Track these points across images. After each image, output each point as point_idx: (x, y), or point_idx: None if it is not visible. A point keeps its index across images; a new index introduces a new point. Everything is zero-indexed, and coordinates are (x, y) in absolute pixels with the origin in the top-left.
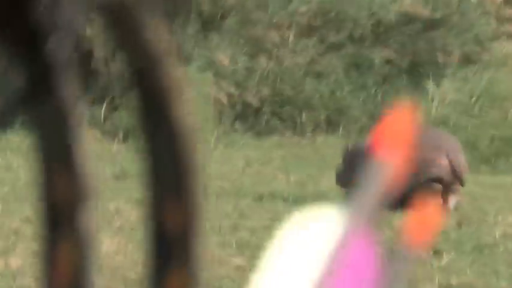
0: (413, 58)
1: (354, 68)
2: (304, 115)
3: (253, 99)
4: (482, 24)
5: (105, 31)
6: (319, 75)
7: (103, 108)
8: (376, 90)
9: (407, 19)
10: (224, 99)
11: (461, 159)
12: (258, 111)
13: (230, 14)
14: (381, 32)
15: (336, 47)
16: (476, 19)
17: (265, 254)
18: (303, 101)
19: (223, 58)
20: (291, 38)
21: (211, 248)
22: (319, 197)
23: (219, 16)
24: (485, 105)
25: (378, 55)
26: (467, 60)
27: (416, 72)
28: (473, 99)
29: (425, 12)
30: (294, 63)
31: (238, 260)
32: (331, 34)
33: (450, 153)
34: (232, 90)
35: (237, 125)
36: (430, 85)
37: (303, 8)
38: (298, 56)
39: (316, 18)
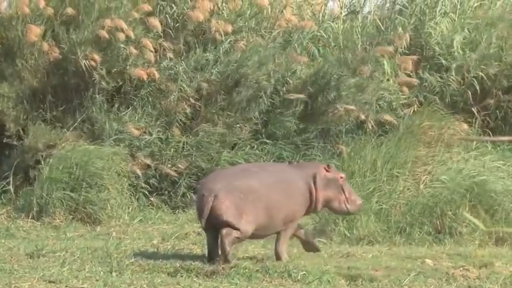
0: (324, 125)
1: (267, 137)
2: None
3: (169, 172)
4: (394, 92)
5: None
6: (234, 146)
7: (16, 184)
8: (291, 160)
9: (311, 85)
10: (139, 173)
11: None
12: (173, 185)
13: (142, 86)
14: (288, 100)
15: (247, 117)
16: (388, 87)
17: None
18: None
19: (135, 130)
20: (202, 108)
21: None
22: (234, 271)
23: (131, 89)
24: (394, 172)
25: (291, 123)
26: (378, 126)
27: (328, 139)
28: (382, 166)
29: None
30: (208, 135)
31: None
32: (238, 104)
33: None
34: (148, 162)
35: (153, 198)
36: (343, 152)
37: (210, 77)
38: (212, 127)
39: (221, 87)
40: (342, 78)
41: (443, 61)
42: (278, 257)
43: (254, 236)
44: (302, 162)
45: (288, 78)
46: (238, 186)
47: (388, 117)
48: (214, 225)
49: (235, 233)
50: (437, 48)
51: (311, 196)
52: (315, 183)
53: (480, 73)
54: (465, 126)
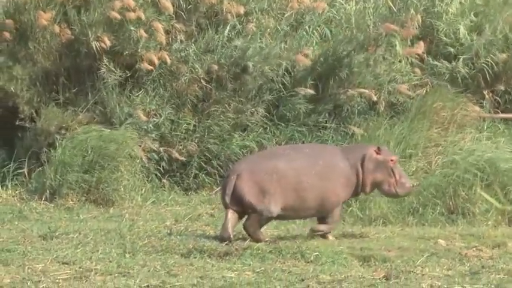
0: (336, 106)
1: (279, 119)
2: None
3: (179, 154)
4: (406, 74)
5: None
6: (245, 129)
7: (29, 166)
8: (303, 142)
9: (319, 67)
10: (144, 158)
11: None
12: (185, 167)
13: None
14: (297, 81)
15: (257, 99)
16: (400, 68)
17: None
18: (234, 155)
19: (145, 113)
20: (213, 91)
21: None
22: (246, 252)
23: (143, 71)
24: (406, 153)
25: (302, 105)
26: (390, 107)
27: (340, 120)
28: (395, 147)
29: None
30: (218, 117)
31: None
32: (248, 91)
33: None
34: (154, 147)
35: (165, 180)
36: (356, 132)
37: (220, 60)
38: (223, 109)
39: (230, 71)
40: (352, 54)
41: (452, 49)
42: (323, 237)
43: (287, 217)
44: (353, 145)
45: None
46: (263, 167)
47: (402, 88)
48: (235, 204)
49: (254, 219)
50: (444, 37)
51: (358, 178)
52: (362, 165)
53: (489, 60)
54: (477, 108)
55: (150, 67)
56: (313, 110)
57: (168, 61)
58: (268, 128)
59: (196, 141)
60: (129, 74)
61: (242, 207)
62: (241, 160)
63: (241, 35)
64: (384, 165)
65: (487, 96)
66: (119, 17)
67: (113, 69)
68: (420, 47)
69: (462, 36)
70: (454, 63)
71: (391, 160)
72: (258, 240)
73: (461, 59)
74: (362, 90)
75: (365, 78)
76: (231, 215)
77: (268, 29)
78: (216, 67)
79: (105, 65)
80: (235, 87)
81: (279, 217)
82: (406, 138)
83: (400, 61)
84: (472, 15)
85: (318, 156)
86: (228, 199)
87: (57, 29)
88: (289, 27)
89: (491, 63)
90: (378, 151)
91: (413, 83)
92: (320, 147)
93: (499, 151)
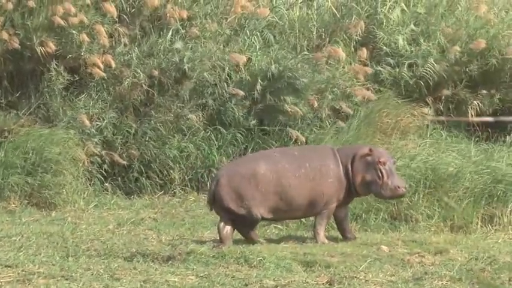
0: (278, 113)
1: (220, 124)
2: (173, 173)
3: (121, 158)
4: (349, 79)
5: None
6: (185, 133)
7: None
8: (246, 146)
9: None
10: (86, 162)
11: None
12: (126, 170)
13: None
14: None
15: (199, 105)
16: (343, 74)
17: None
18: (171, 159)
19: (88, 117)
20: (155, 95)
21: None
22: (190, 257)
23: (86, 74)
24: None
25: (243, 111)
26: (334, 113)
27: (283, 125)
28: None
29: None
30: (160, 121)
31: None
32: (186, 93)
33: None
34: (96, 151)
35: (107, 184)
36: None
37: (162, 65)
38: (164, 114)
39: (170, 76)
40: (295, 82)
41: (391, 60)
42: (316, 239)
43: (280, 219)
44: (349, 146)
45: (240, 66)
46: (240, 172)
47: (343, 105)
48: (220, 210)
49: (243, 221)
50: (384, 47)
51: (348, 178)
52: (352, 165)
53: (428, 70)
54: (424, 110)
55: (99, 71)
56: (255, 116)
57: (113, 64)
58: (210, 131)
59: (137, 145)
60: (77, 78)
61: (227, 212)
62: (225, 165)
63: (184, 40)
64: (372, 166)
65: (430, 103)
66: (62, 22)
67: (60, 71)
68: (363, 53)
69: (401, 48)
70: (397, 70)
71: (379, 161)
72: (251, 241)
73: (405, 65)
74: (297, 110)
75: (308, 89)
76: (222, 224)
77: (210, 33)
78: (156, 72)
79: (54, 67)
80: (177, 92)
81: (272, 219)
82: (351, 144)
83: (343, 67)
84: (412, 25)
85: (305, 159)
86: (209, 205)
87: (5, 35)
88: (232, 32)
89: (430, 72)
90: (370, 152)
91: (356, 87)
92: (311, 149)
93: (441, 157)
